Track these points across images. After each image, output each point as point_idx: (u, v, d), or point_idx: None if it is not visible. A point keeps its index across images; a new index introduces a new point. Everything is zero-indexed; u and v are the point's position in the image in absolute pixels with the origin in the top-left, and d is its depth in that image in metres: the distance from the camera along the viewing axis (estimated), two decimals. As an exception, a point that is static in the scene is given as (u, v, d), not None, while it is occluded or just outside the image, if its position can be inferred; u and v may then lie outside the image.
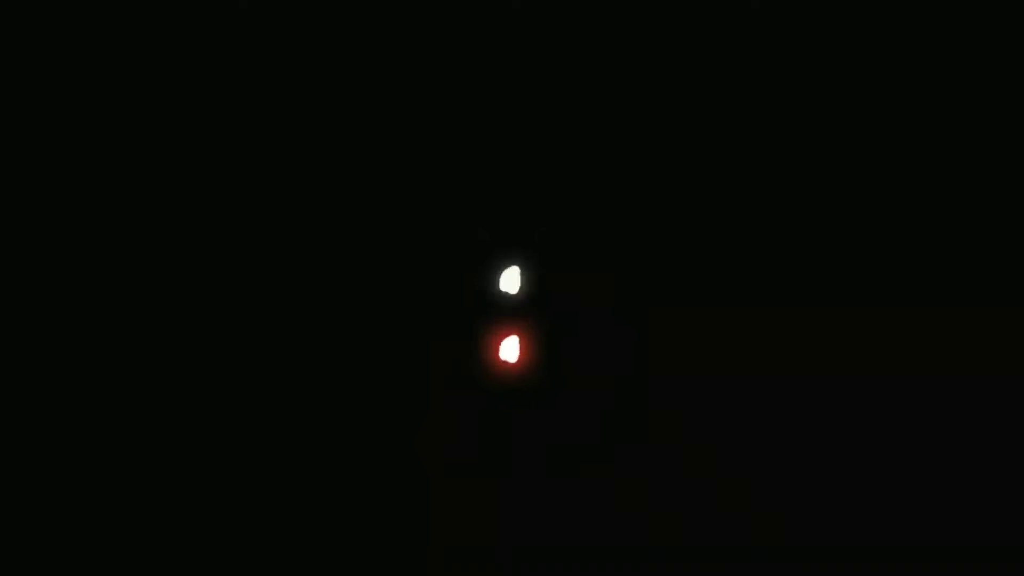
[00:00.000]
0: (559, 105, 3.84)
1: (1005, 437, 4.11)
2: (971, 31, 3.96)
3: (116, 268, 3.71)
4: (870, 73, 3.97)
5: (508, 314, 3.89)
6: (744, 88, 3.94)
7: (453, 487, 4.01)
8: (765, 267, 4.06)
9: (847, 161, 4.04)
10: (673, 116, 3.93)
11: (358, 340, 3.87)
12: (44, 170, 3.63)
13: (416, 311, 3.86)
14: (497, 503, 4.03)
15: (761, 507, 4.08)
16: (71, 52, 3.58)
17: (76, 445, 3.77)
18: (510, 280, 3.86)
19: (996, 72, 3.99)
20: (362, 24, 3.71)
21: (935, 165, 4.05)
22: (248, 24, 3.66)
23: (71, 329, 3.72)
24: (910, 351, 4.12)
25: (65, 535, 3.77)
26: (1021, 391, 4.12)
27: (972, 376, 4.11)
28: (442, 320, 3.87)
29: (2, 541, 3.73)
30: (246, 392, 3.84)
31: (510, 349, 3.92)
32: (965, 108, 4.01)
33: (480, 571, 4.00)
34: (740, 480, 4.10)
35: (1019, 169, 4.05)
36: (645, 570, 4.02)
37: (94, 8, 3.56)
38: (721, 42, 3.90)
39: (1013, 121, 4.01)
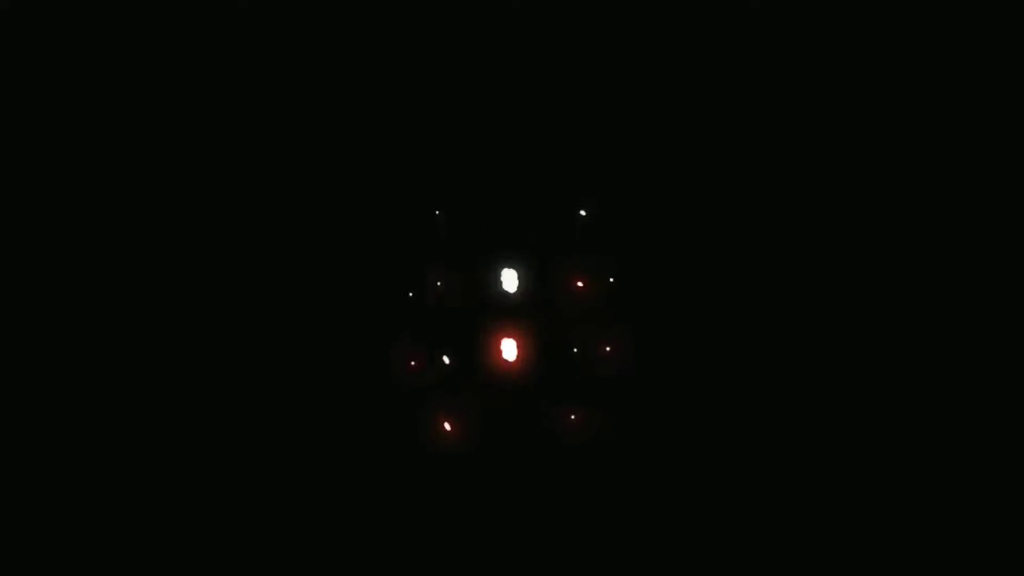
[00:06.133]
0: (559, 105, 3.84)
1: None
2: (971, 31, 3.96)
3: (116, 268, 3.71)
4: (870, 73, 3.98)
5: (508, 314, 3.89)
6: (744, 88, 3.94)
7: (453, 487, 4.01)
8: (765, 267, 4.06)
9: (846, 161, 4.04)
10: (673, 116, 3.93)
11: (356, 340, 3.87)
12: (44, 170, 3.63)
13: (415, 311, 3.86)
14: (496, 503, 4.03)
15: (762, 505, 4.09)
16: (71, 51, 3.58)
17: (76, 445, 3.77)
18: (510, 280, 3.86)
19: (996, 73, 3.99)
20: (362, 24, 3.70)
21: (935, 166, 4.05)
22: (248, 24, 3.66)
23: (71, 329, 3.72)
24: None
25: (65, 535, 3.78)
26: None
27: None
28: (441, 320, 3.87)
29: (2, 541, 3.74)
30: (244, 392, 3.84)
31: (510, 349, 3.92)
32: (965, 108, 4.01)
33: (480, 571, 4.00)
34: (741, 478, 4.10)
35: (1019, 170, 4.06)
36: (647, 567, 4.03)
37: (95, 8, 3.56)
38: (721, 42, 3.90)
39: (1013, 123, 4.01)
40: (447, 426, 3.97)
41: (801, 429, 4.11)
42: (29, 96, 3.57)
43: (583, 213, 3.92)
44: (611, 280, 4.01)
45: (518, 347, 3.93)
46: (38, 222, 3.64)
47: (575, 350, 3.98)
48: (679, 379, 4.09)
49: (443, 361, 3.90)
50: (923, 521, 4.06)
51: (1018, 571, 3.99)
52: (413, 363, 3.89)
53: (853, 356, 4.10)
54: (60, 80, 3.58)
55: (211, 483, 3.86)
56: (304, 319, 3.84)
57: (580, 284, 3.94)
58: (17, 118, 3.57)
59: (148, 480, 3.82)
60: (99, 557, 3.78)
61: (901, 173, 4.05)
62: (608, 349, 4.03)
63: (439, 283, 3.83)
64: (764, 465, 4.11)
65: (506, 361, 3.92)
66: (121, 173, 3.66)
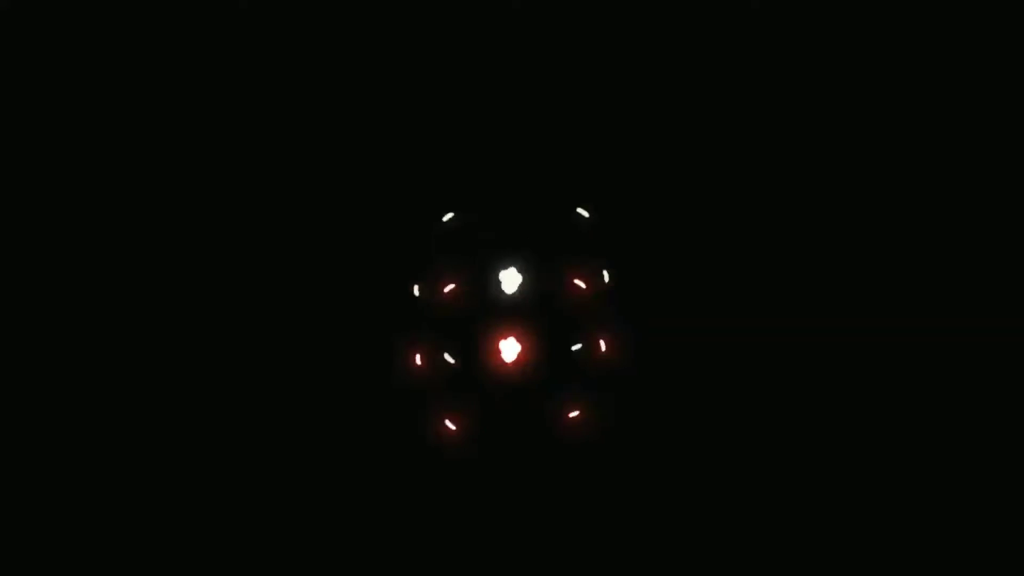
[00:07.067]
0: (559, 105, 3.85)
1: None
2: (971, 32, 3.96)
3: (115, 268, 3.72)
4: (870, 73, 3.98)
5: (508, 314, 3.89)
6: (744, 88, 3.95)
7: (453, 487, 4.01)
8: (765, 268, 4.06)
9: (846, 162, 4.04)
10: (673, 116, 3.93)
11: (353, 341, 3.87)
12: (44, 170, 3.64)
13: (413, 311, 3.87)
14: (497, 503, 4.03)
15: (763, 503, 4.09)
16: (71, 51, 3.58)
17: (76, 445, 3.78)
18: (510, 280, 3.86)
19: (996, 73, 3.99)
20: (362, 24, 3.71)
21: (935, 167, 4.05)
22: (248, 24, 3.66)
23: (71, 329, 3.72)
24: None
25: (65, 535, 3.78)
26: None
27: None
28: (438, 320, 3.87)
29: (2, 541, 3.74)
30: (242, 392, 3.85)
31: (510, 349, 3.92)
32: (965, 109, 4.01)
33: (480, 570, 4.00)
34: (742, 477, 4.10)
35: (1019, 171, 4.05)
36: (649, 567, 4.03)
37: (94, 8, 3.57)
38: (721, 42, 3.90)
39: (1013, 123, 4.01)
40: (449, 426, 3.98)
41: (801, 429, 4.11)
42: (29, 96, 3.57)
43: (583, 212, 3.92)
44: (610, 280, 4.01)
45: (518, 347, 3.93)
46: (38, 222, 3.65)
47: (575, 350, 3.98)
48: (679, 379, 4.09)
49: (445, 360, 3.90)
50: (923, 521, 4.06)
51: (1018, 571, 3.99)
52: (415, 362, 3.90)
53: (853, 355, 4.10)
54: (60, 80, 3.58)
55: (210, 483, 3.86)
56: (304, 319, 3.84)
57: (580, 284, 3.94)
58: (17, 118, 3.57)
59: (148, 480, 3.82)
60: (99, 557, 3.79)
61: (901, 174, 4.05)
62: (608, 349, 4.03)
63: (441, 283, 3.84)
64: (764, 465, 4.11)
65: (506, 361, 3.92)
66: (121, 173, 3.66)
